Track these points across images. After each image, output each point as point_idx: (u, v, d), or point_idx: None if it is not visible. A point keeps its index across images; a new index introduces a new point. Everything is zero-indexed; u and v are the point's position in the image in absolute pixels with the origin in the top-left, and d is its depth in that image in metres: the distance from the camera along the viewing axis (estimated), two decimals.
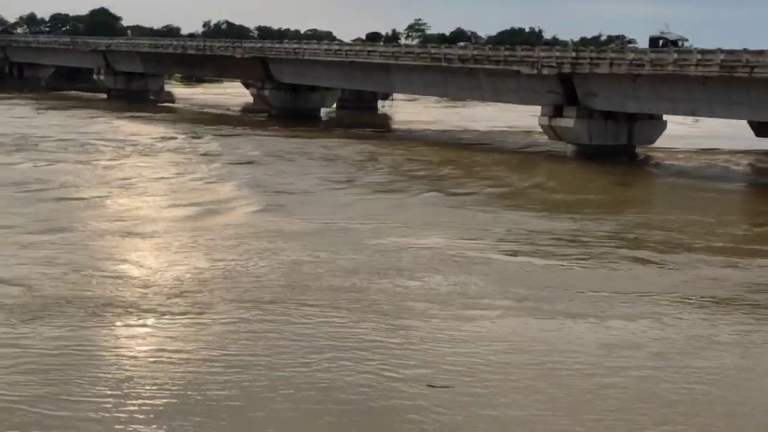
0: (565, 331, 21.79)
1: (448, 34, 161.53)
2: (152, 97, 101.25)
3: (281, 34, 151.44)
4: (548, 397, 17.53)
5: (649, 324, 22.48)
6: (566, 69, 56.51)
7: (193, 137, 63.12)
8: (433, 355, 19.82)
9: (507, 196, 42.58)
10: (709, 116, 55.57)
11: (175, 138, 63.27)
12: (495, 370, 18.99)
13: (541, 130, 60.11)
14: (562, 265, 28.33)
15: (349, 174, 47.79)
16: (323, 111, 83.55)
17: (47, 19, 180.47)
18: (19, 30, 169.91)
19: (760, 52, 49.23)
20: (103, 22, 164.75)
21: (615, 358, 19.85)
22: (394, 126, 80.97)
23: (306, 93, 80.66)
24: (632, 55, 55.75)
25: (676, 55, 53.09)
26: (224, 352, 19.82)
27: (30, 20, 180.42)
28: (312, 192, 41.93)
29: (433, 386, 17.77)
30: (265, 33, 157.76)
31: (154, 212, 36.49)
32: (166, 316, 22.32)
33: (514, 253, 30.18)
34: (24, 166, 48.20)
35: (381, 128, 77.37)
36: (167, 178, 45.82)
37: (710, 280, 26.89)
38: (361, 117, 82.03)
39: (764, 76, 47.57)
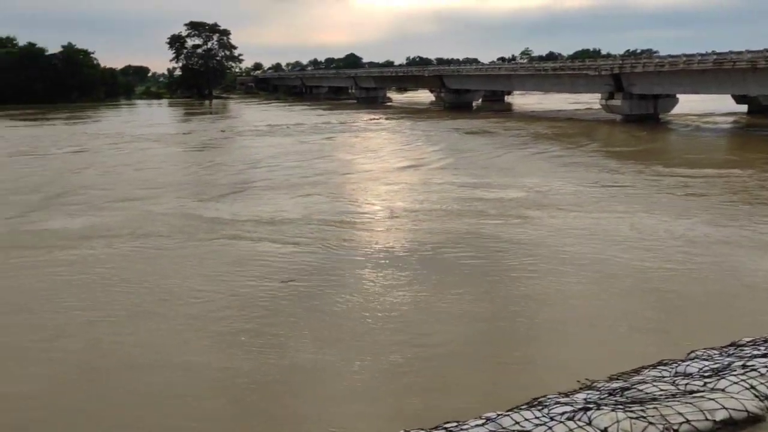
0: None
1: (544, 54, 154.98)
2: (380, 101, 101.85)
3: (449, 61, 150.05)
4: None
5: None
6: (616, 70, 55.08)
7: (401, 119, 63.02)
8: None
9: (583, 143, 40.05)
10: (705, 93, 52.32)
11: (390, 120, 63.54)
12: None
13: (599, 107, 58.58)
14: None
15: (493, 139, 45.20)
16: (474, 103, 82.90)
17: (323, 60, 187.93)
18: (309, 68, 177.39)
19: (734, 52, 46.73)
20: (353, 60, 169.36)
21: None
22: (514, 109, 79.33)
23: (464, 93, 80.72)
24: (656, 60, 53.83)
25: (684, 58, 50.84)
26: None
27: (314, 62, 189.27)
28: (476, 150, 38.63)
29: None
30: (440, 61, 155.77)
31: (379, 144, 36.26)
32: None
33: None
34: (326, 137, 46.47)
35: (507, 111, 76.10)
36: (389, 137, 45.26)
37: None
38: (494, 106, 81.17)
39: (739, 67, 45.11)
